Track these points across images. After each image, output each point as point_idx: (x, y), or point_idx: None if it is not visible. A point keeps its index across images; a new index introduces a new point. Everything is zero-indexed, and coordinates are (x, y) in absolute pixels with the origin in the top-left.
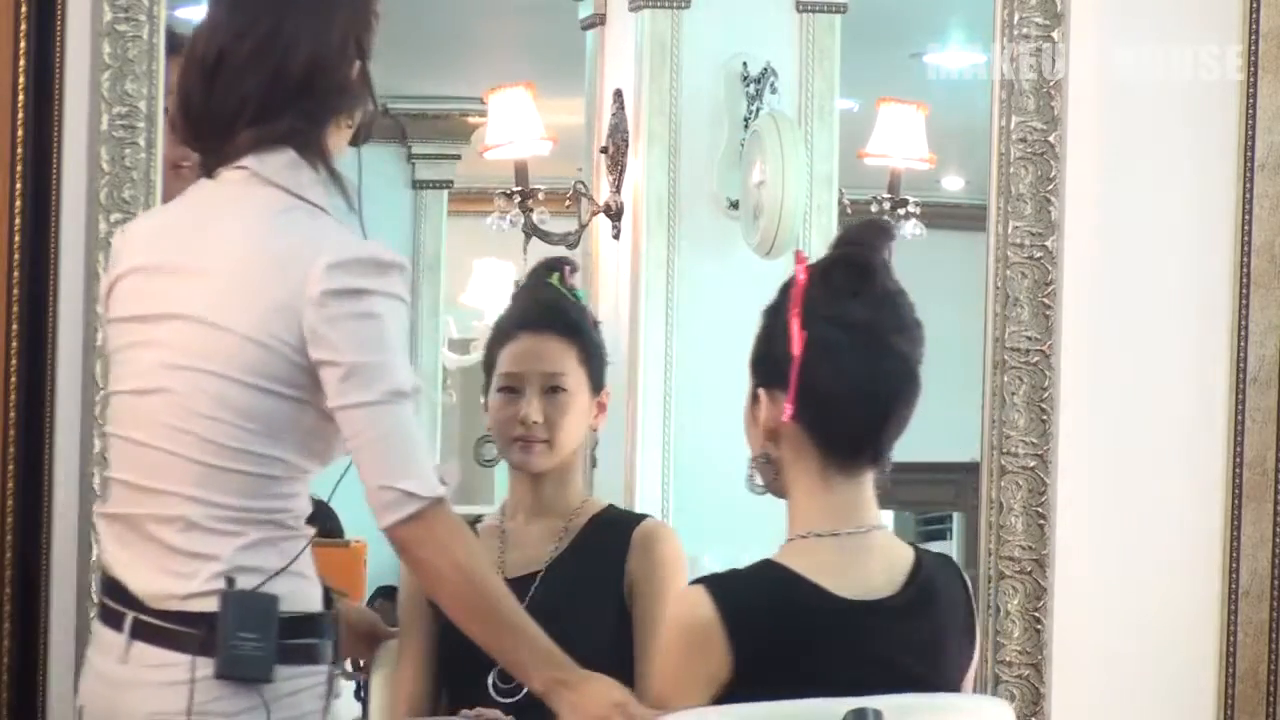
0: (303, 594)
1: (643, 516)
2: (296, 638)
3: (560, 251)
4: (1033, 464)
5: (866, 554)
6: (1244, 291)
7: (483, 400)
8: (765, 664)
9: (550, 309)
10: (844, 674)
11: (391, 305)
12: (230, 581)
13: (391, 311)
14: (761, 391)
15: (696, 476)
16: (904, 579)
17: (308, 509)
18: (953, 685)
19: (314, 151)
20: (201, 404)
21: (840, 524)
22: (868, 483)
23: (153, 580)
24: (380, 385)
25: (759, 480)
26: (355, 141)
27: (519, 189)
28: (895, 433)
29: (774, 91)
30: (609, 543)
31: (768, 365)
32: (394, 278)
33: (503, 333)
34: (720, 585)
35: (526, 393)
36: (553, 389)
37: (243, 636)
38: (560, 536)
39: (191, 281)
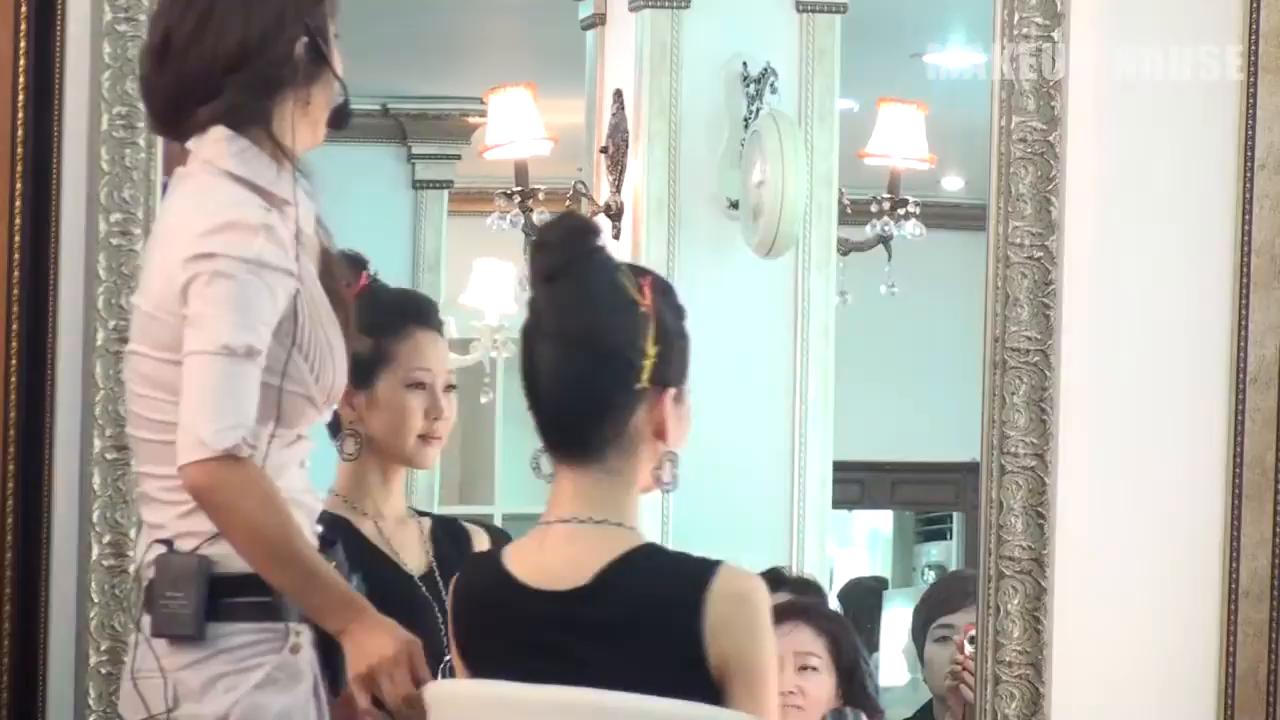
0: None
1: (454, 518)
2: (240, 595)
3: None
4: (1033, 464)
5: (566, 544)
6: (1244, 291)
7: (353, 389)
8: (467, 644)
9: (430, 306)
10: (523, 659)
11: (244, 267)
12: (169, 545)
13: (244, 273)
14: None
15: (696, 477)
16: (594, 572)
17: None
18: (669, 685)
19: (255, 123)
20: (136, 384)
21: (550, 513)
22: (592, 474)
23: (140, 551)
24: (211, 336)
25: (541, 467)
26: (334, 125)
27: (519, 189)
28: (591, 422)
29: (774, 91)
30: (458, 544)
31: None
32: (253, 240)
33: (390, 325)
34: (466, 563)
35: (434, 389)
36: (449, 386)
37: (170, 596)
38: (422, 535)
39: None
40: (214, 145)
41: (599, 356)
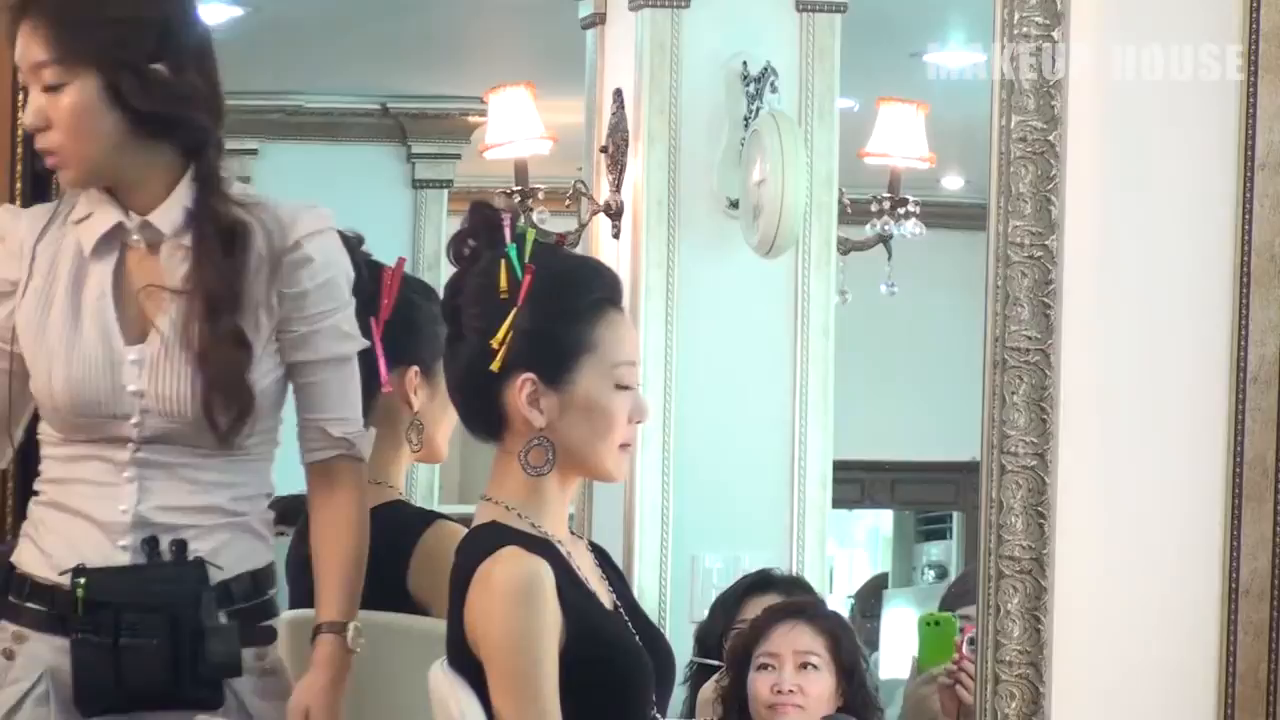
0: None
1: None
2: None
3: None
4: (1033, 464)
5: None
6: (1244, 291)
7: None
8: None
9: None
10: None
11: None
12: None
13: None
14: None
15: (696, 476)
16: None
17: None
18: None
19: None
20: None
21: None
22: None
23: None
24: None
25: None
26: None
27: (519, 188)
28: (464, 401)
29: (774, 91)
30: None
31: None
32: None
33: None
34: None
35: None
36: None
37: None
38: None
39: None
40: None
41: (458, 331)
